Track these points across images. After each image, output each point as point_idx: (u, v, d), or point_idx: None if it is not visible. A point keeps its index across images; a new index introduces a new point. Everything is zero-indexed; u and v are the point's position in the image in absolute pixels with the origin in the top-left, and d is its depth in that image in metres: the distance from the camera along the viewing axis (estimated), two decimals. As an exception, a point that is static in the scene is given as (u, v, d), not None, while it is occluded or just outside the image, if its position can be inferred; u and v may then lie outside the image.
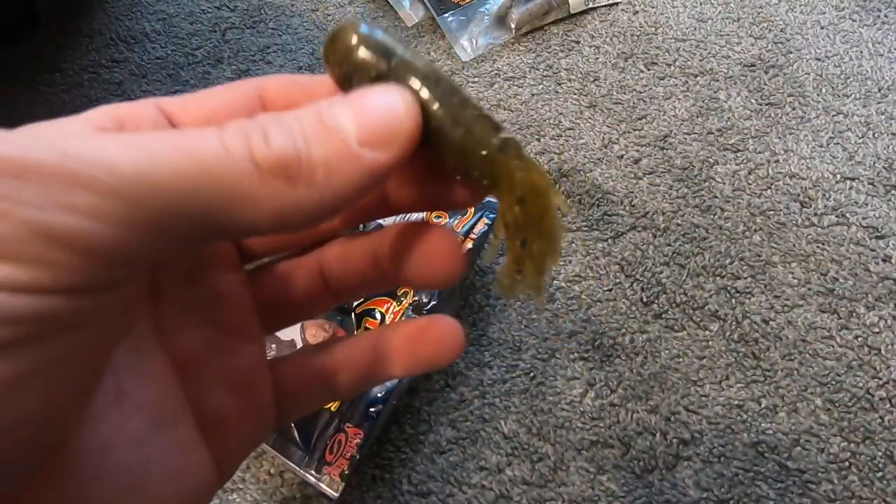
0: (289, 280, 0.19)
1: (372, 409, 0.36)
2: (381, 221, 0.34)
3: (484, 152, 0.15)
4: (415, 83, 0.15)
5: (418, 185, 0.17)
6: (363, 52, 0.15)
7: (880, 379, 0.39)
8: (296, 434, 0.35)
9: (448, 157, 0.16)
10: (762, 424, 0.38)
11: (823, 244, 0.44)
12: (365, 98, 0.14)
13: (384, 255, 0.18)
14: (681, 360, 0.40)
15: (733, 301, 0.42)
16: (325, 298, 0.20)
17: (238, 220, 0.13)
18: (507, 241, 0.17)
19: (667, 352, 0.40)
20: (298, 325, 0.37)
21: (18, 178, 0.11)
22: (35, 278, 0.11)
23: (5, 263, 0.10)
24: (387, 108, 0.14)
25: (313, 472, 0.35)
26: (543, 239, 0.16)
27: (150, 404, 0.16)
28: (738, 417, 0.38)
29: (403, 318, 0.38)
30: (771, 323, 0.41)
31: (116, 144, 0.12)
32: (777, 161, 0.48)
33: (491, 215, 0.43)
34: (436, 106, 0.15)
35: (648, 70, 0.53)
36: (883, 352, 0.39)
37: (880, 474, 0.36)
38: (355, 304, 0.38)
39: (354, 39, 0.15)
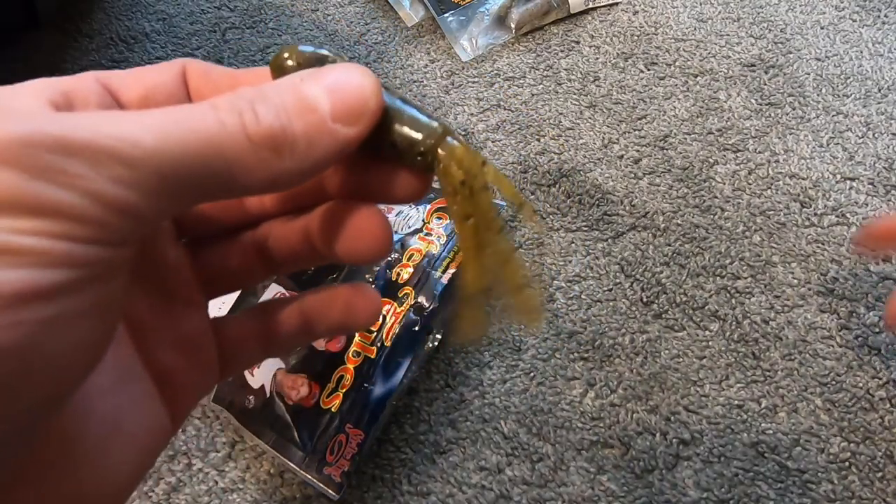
0: (226, 254, 0.21)
1: (373, 410, 0.36)
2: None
3: (425, 140, 0.17)
4: None
5: (357, 175, 0.19)
6: (304, 57, 0.17)
7: (880, 379, 0.39)
8: (296, 435, 0.35)
9: (393, 146, 0.18)
10: (762, 424, 0.38)
11: (823, 244, 0.44)
12: (334, 74, 0.16)
13: (315, 232, 0.20)
14: (681, 360, 0.40)
15: (733, 301, 0.42)
16: (261, 270, 0.22)
17: (237, 183, 0.15)
18: (458, 229, 0.19)
19: (667, 352, 0.40)
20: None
21: (73, 155, 0.13)
22: (90, 233, 0.13)
23: (69, 222, 0.13)
24: (356, 87, 0.16)
25: (314, 472, 0.35)
26: (482, 212, 0.18)
27: (111, 362, 0.18)
28: (738, 417, 0.38)
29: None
30: (771, 323, 0.41)
31: (135, 123, 0.14)
32: (777, 161, 0.48)
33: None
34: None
35: (648, 70, 0.53)
36: (883, 352, 0.39)
37: (880, 474, 0.36)
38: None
39: (292, 56, 0.17)
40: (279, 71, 0.18)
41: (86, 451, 0.16)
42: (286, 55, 0.17)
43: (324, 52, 0.18)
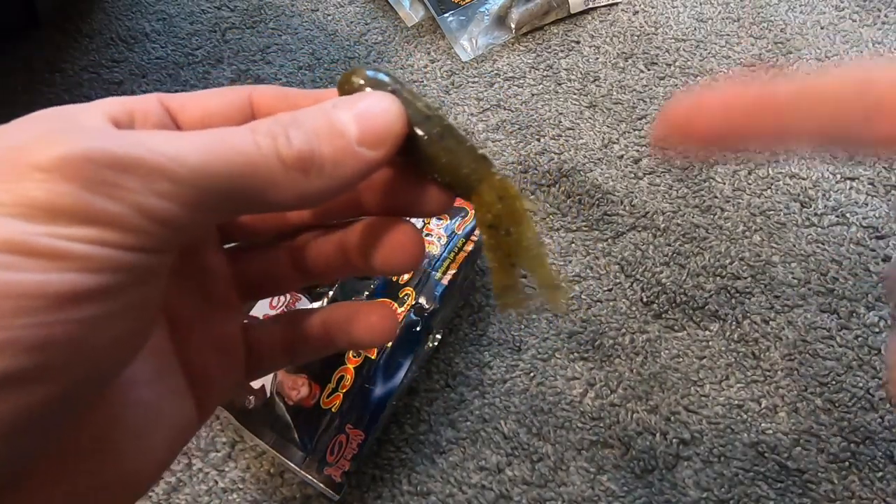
0: (265, 261, 0.23)
1: (373, 411, 0.36)
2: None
3: (466, 170, 0.19)
4: (414, 113, 0.19)
5: (391, 193, 0.21)
6: (368, 80, 0.19)
7: (880, 379, 0.39)
8: (296, 435, 0.35)
9: (435, 171, 0.19)
10: (762, 424, 0.38)
11: (823, 244, 0.44)
12: (362, 102, 0.18)
13: (351, 245, 0.21)
14: (681, 360, 0.40)
15: (733, 301, 0.42)
16: (296, 279, 0.23)
17: (268, 199, 0.17)
18: (487, 242, 0.20)
19: (667, 352, 0.40)
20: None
21: (126, 171, 0.14)
22: (133, 241, 0.15)
23: (114, 230, 0.14)
24: (382, 115, 0.18)
25: (314, 472, 0.35)
26: (518, 223, 0.20)
27: (153, 355, 0.19)
28: (738, 417, 0.38)
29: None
30: (771, 323, 0.41)
31: (183, 142, 0.15)
32: (777, 161, 0.48)
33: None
34: (423, 130, 0.19)
35: (648, 70, 0.53)
36: (883, 352, 0.39)
37: (880, 474, 0.36)
38: (353, 298, 0.38)
39: (361, 80, 0.19)
40: (344, 92, 0.19)
41: (124, 435, 0.18)
42: (353, 77, 0.19)
43: (384, 78, 0.19)
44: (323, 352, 0.24)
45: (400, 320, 0.38)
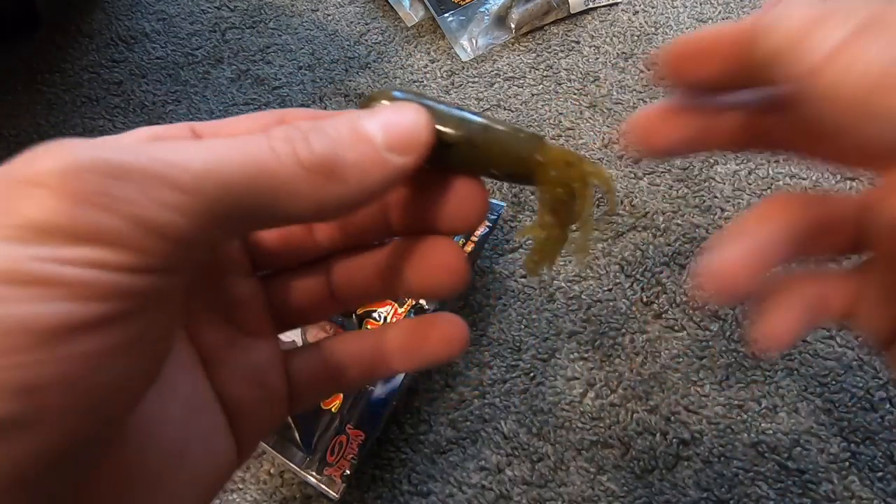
0: (297, 288, 0.21)
1: (373, 411, 0.36)
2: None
3: (523, 152, 0.18)
4: (448, 120, 0.18)
5: (419, 211, 0.19)
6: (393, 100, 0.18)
7: (880, 379, 0.39)
8: (296, 435, 0.35)
9: (491, 165, 0.18)
10: (762, 424, 0.38)
11: (823, 244, 0.44)
12: (387, 110, 0.17)
13: (390, 267, 0.20)
14: (681, 360, 0.40)
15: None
16: (331, 306, 0.22)
17: (284, 210, 0.15)
18: (544, 215, 0.19)
19: (667, 352, 0.40)
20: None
21: (121, 179, 0.13)
22: (136, 261, 0.13)
23: (112, 249, 0.13)
24: (408, 121, 0.17)
25: (314, 472, 0.35)
26: (586, 186, 0.19)
27: (184, 391, 0.18)
28: (738, 417, 0.38)
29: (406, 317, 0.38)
30: (771, 323, 0.41)
31: (189, 149, 0.14)
32: (777, 161, 0.48)
33: (492, 216, 0.43)
34: (465, 130, 0.18)
35: (648, 70, 0.53)
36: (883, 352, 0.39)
37: (880, 474, 0.36)
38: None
39: (386, 101, 0.18)
40: None
41: (147, 481, 0.16)
42: (379, 97, 0.18)
43: (410, 97, 0.18)
44: (375, 377, 0.22)
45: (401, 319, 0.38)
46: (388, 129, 0.16)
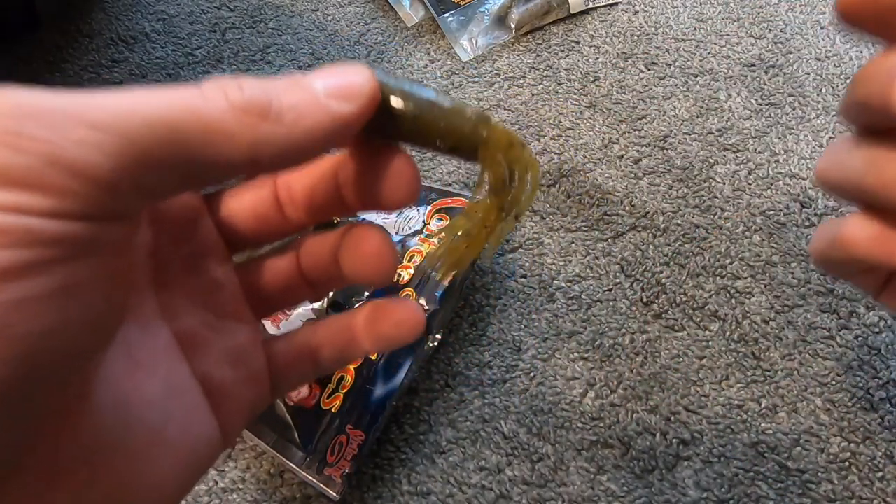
0: (270, 270, 0.22)
1: (373, 411, 0.36)
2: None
3: (468, 127, 0.19)
4: (401, 87, 0.18)
5: (366, 187, 0.20)
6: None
7: (880, 379, 0.39)
8: (296, 435, 0.35)
9: (437, 136, 0.19)
10: (762, 424, 0.38)
11: (823, 244, 0.44)
12: (331, 67, 0.17)
13: (338, 249, 0.21)
14: (681, 360, 0.40)
15: (733, 301, 0.42)
16: (304, 290, 0.22)
17: (215, 153, 0.14)
18: (492, 197, 0.20)
19: (667, 352, 0.40)
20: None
21: (32, 117, 0.12)
22: (54, 205, 0.12)
23: (26, 191, 0.12)
24: (349, 72, 0.17)
25: (314, 473, 0.35)
26: (530, 168, 0.20)
27: (161, 373, 0.18)
28: (738, 417, 0.38)
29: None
30: (771, 323, 0.41)
31: (112, 94, 0.14)
32: (777, 161, 0.48)
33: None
34: (415, 100, 0.18)
35: (648, 70, 0.53)
36: (883, 352, 0.39)
37: (880, 474, 0.36)
38: (353, 299, 0.39)
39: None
40: None
41: (127, 459, 0.16)
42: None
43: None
44: (350, 358, 0.23)
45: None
46: (327, 78, 0.16)
